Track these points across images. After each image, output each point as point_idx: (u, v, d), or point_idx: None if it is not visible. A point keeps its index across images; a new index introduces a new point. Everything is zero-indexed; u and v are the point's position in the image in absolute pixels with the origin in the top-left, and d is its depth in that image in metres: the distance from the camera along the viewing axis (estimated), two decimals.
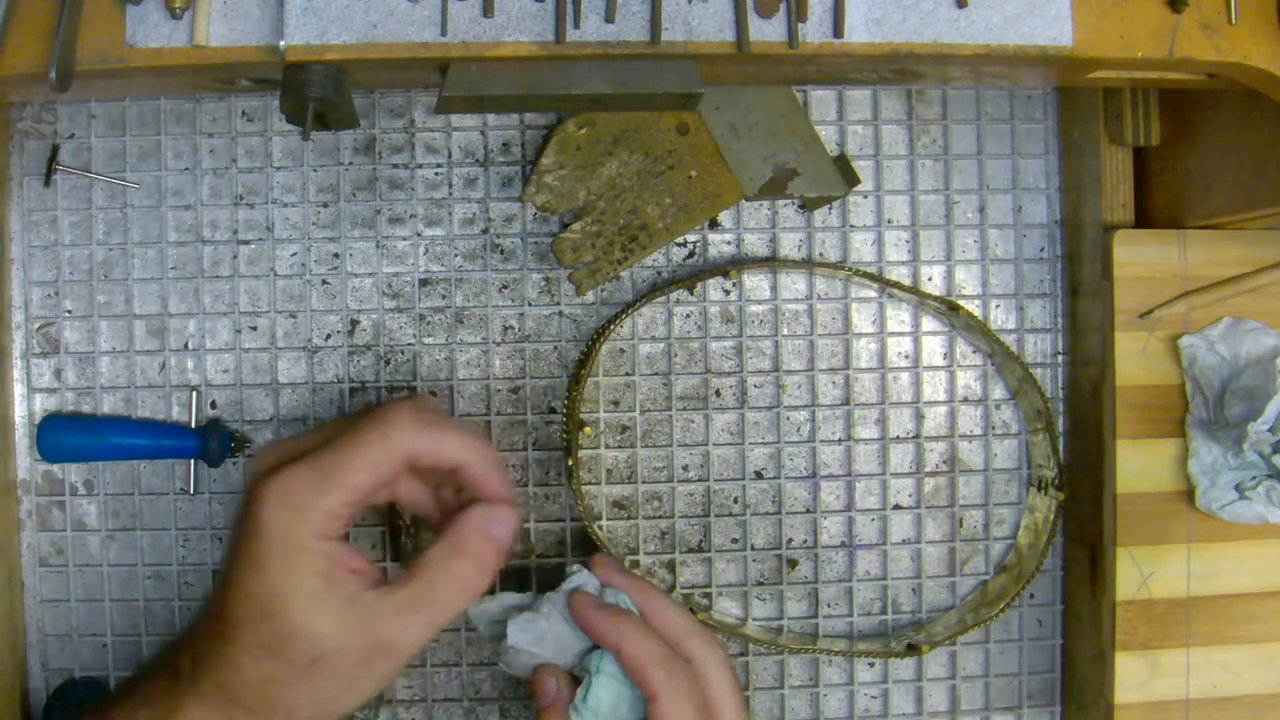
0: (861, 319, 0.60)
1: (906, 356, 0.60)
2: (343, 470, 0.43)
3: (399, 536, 0.58)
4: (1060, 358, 0.61)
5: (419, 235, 0.58)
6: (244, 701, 0.42)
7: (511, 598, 0.52)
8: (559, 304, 0.59)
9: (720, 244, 0.60)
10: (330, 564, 0.43)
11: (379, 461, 0.44)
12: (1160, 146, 0.57)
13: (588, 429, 0.59)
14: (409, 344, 0.58)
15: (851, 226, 0.60)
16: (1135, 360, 0.56)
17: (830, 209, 0.60)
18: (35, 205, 0.57)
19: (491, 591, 0.52)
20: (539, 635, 0.49)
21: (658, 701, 0.46)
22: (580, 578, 0.52)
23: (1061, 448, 0.60)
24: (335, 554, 0.43)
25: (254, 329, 0.58)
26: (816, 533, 0.60)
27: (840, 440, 0.60)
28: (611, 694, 0.48)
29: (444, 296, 0.58)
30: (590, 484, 0.59)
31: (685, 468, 0.60)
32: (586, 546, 0.59)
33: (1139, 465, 0.56)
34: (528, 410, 0.59)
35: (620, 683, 0.48)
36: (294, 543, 0.42)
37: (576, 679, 0.49)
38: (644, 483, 0.59)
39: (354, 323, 0.58)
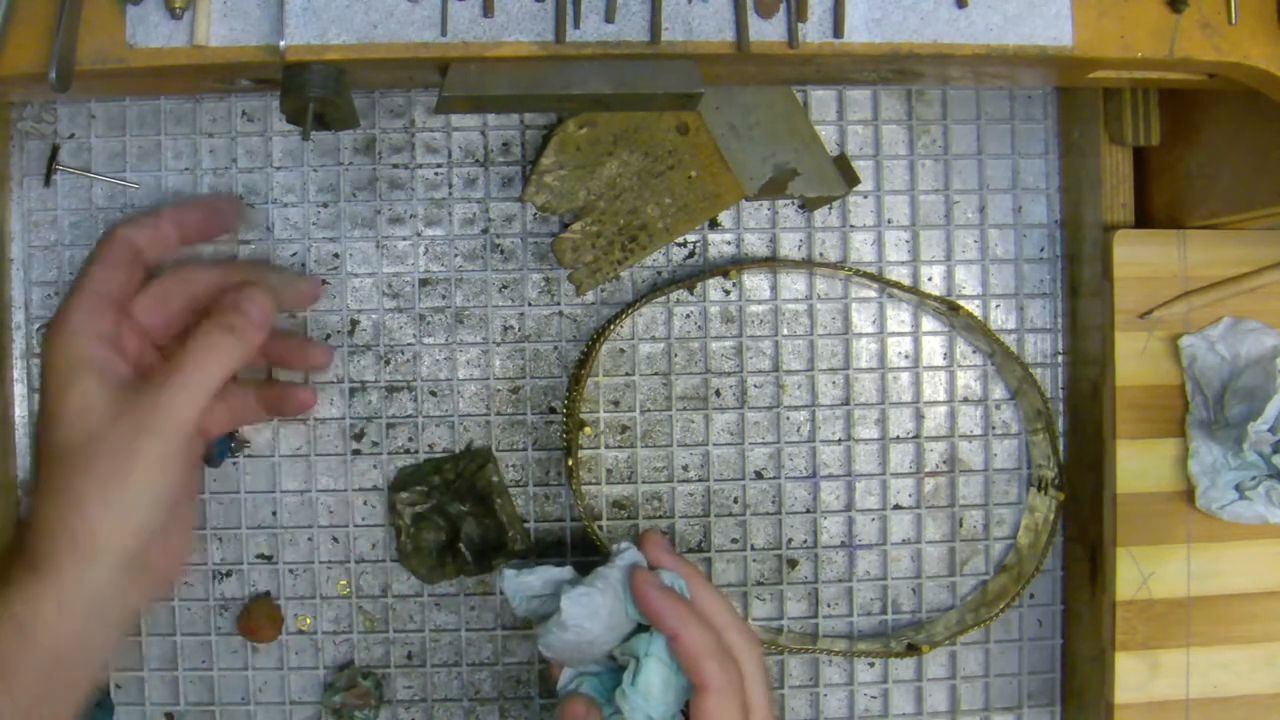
0: (861, 319, 0.60)
1: (906, 356, 0.60)
2: (87, 278, 0.47)
3: (399, 536, 0.58)
4: (1060, 358, 0.61)
5: (419, 235, 0.58)
6: (41, 550, 0.43)
7: (552, 571, 0.50)
8: (559, 304, 0.59)
9: (720, 244, 0.60)
10: (104, 365, 0.46)
11: (108, 255, 0.48)
12: (1160, 146, 0.57)
13: (588, 429, 0.59)
14: (409, 344, 0.58)
15: (851, 226, 0.60)
16: (1135, 360, 0.56)
17: (830, 209, 0.60)
18: (35, 205, 0.57)
19: (524, 565, 0.51)
20: (593, 610, 0.48)
21: (708, 693, 0.46)
22: (630, 555, 0.50)
23: (1061, 448, 0.60)
24: (108, 357, 0.46)
25: None
26: (816, 533, 0.60)
27: (840, 440, 0.60)
28: (660, 678, 0.47)
29: (444, 296, 0.58)
30: (590, 484, 0.59)
31: (685, 468, 0.60)
32: (586, 547, 0.59)
33: (1139, 465, 0.56)
34: (528, 410, 0.59)
35: (668, 668, 0.47)
36: (75, 358, 0.45)
37: (612, 662, 0.49)
38: (644, 483, 0.59)
39: (354, 323, 0.58)
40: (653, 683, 0.47)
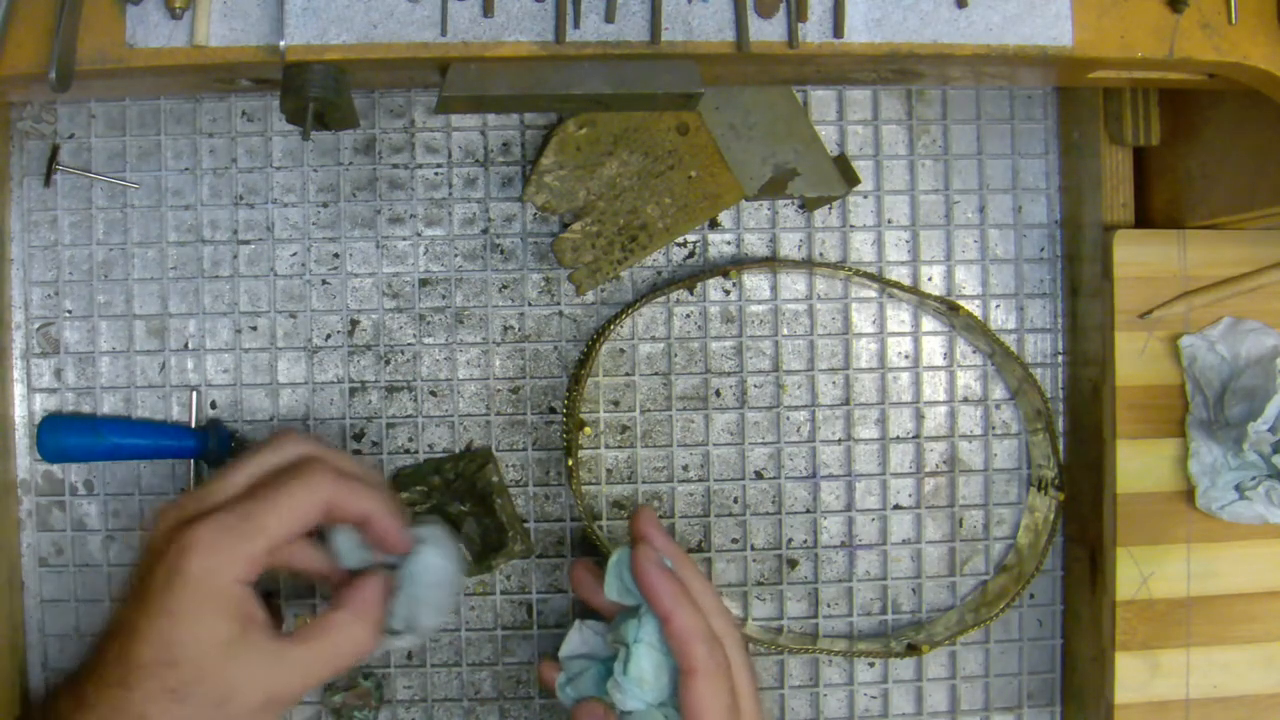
0: (861, 319, 0.60)
1: (906, 356, 0.60)
2: (266, 516, 0.44)
3: None
4: (1060, 358, 0.61)
5: (419, 235, 0.58)
6: None
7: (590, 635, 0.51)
8: (559, 304, 0.59)
9: (720, 244, 0.60)
10: (243, 611, 0.44)
11: (300, 509, 0.45)
12: (1160, 146, 0.57)
13: (588, 429, 0.59)
14: (409, 344, 0.58)
15: (851, 226, 0.60)
16: (1135, 360, 0.56)
17: (830, 209, 0.60)
18: (35, 205, 0.57)
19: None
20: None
21: (696, 677, 0.46)
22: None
23: (1061, 448, 0.60)
24: (247, 601, 0.44)
25: (254, 329, 0.58)
26: (816, 533, 0.60)
27: (840, 440, 0.60)
28: (652, 663, 0.47)
29: (444, 296, 0.58)
30: (590, 484, 0.59)
31: (685, 468, 0.60)
32: (586, 547, 0.59)
33: (1139, 465, 0.56)
34: (528, 410, 0.59)
35: (659, 651, 0.47)
36: (215, 588, 0.43)
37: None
38: (644, 483, 0.59)
39: (354, 323, 0.58)
40: (645, 669, 0.47)
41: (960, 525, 0.61)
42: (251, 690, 0.43)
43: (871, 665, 0.61)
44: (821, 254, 0.60)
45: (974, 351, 0.61)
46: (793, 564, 0.60)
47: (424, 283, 0.58)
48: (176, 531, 0.43)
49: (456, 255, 0.58)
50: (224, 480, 0.46)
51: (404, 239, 0.58)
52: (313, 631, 0.46)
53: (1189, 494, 0.56)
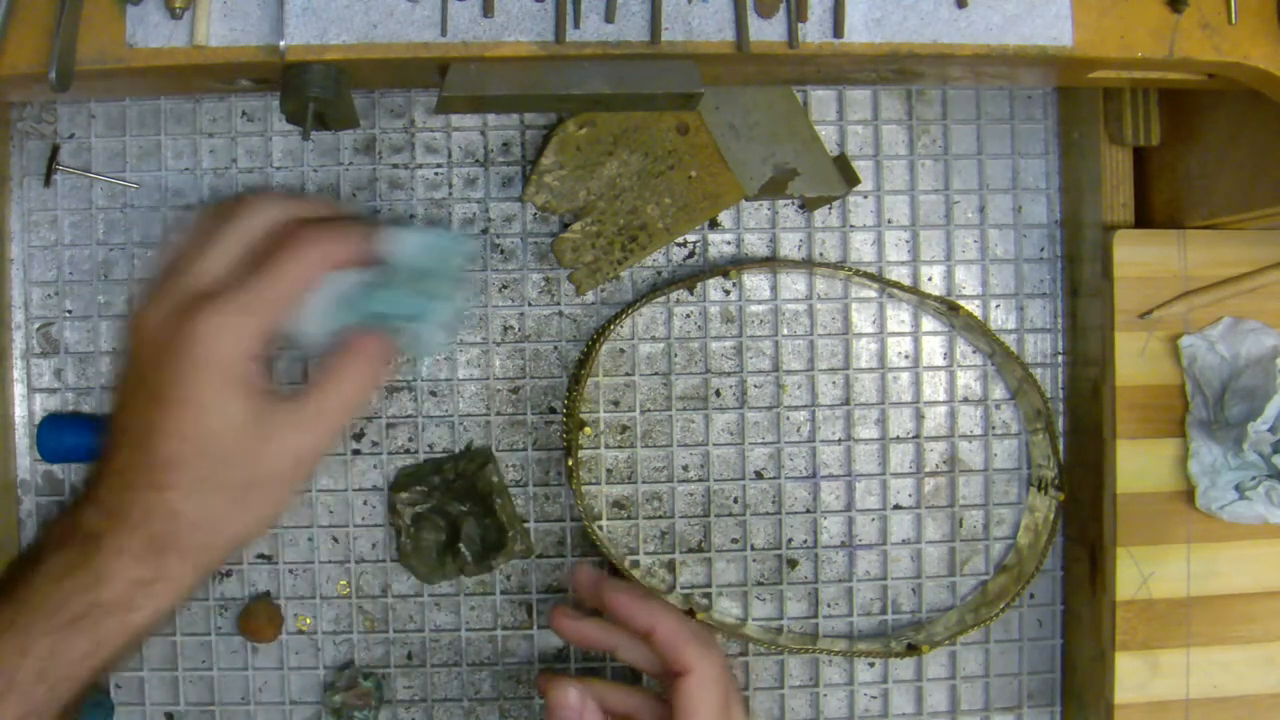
0: (861, 319, 0.60)
1: (906, 356, 0.60)
2: (270, 294, 0.42)
3: (399, 536, 0.58)
4: (1060, 358, 0.61)
5: None
6: (181, 547, 0.41)
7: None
8: (559, 304, 0.59)
9: (720, 244, 0.60)
10: (255, 385, 0.43)
11: (300, 279, 0.43)
12: (1160, 146, 0.57)
13: (588, 429, 0.59)
14: None
15: (851, 226, 0.60)
16: (1135, 360, 0.56)
17: (830, 209, 0.60)
18: (35, 205, 0.57)
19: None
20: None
21: (689, 677, 0.46)
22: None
23: (1061, 448, 0.60)
24: (256, 375, 0.43)
25: None
26: (816, 533, 0.60)
27: (840, 440, 0.60)
28: (327, 305, 0.44)
29: None
30: (590, 484, 0.59)
31: (685, 468, 0.60)
32: (586, 546, 0.59)
33: (1139, 465, 0.56)
34: (528, 410, 0.59)
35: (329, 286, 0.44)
36: (232, 372, 0.42)
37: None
38: (644, 483, 0.59)
39: None
40: (319, 315, 0.44)
41: (960, 525, 0.61)
42: (279, 459, 0.43)
43: (871, 665, 0.61)
44: (821, 254, 0.60)
45: (974, 351, 0.61)
46: (793, 564, 0.60)
47: None
48: (180, 320, 0.42)
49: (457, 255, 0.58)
50: (208, 257, 0.43)
51: None
52: (319, 381, 0.44)
53: (1189, 494, 0.56)
